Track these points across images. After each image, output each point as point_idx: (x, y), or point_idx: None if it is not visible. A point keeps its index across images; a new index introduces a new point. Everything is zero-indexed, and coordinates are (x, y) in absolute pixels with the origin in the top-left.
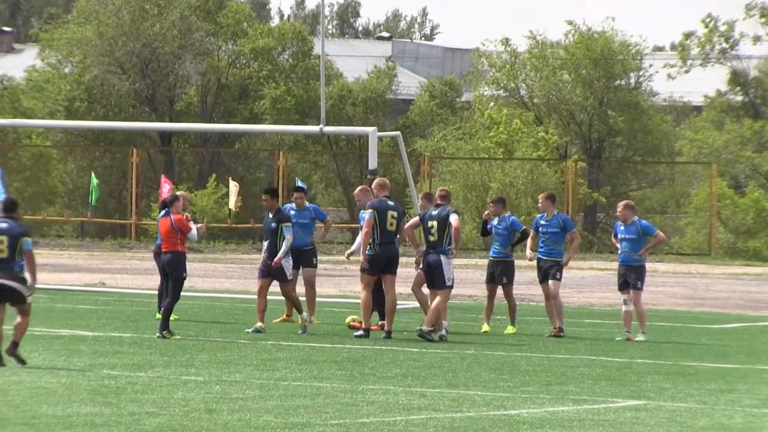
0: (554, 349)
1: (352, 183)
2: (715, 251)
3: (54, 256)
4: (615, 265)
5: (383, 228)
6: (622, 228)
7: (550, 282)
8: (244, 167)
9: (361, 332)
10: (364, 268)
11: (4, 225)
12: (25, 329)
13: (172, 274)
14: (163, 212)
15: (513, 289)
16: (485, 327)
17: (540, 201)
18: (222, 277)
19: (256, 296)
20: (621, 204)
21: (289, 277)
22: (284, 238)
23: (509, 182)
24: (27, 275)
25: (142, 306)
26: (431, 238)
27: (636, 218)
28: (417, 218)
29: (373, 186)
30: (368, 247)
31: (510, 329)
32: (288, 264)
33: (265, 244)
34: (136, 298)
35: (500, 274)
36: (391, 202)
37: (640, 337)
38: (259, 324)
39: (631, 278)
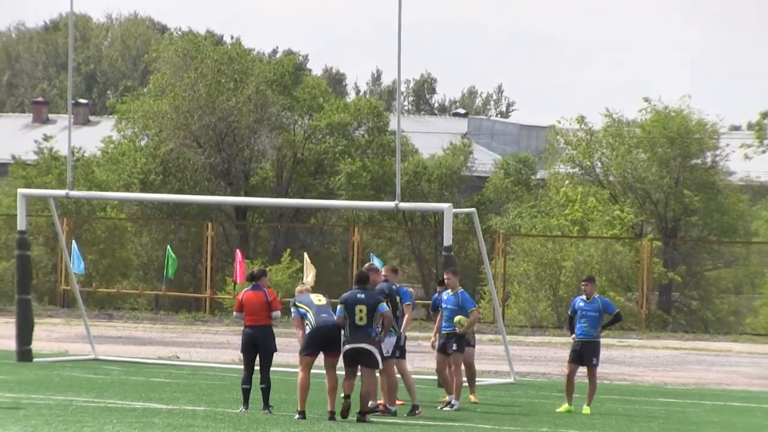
0: (627, 428)
1: (427, 259)
2: None
3: (128, 329)
4: (690, 344)
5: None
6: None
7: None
8: (319, 242)
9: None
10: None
11: None
12: None
13: (264, 347)
14: (250, 286)
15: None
16: (566, 406)
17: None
18: (295, 351)
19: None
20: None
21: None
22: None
23: (583, 260)
24: None
25: (216, 379)
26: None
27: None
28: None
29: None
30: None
31: (586, 410)
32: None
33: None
34: (210, 372)
35: (590, 355)
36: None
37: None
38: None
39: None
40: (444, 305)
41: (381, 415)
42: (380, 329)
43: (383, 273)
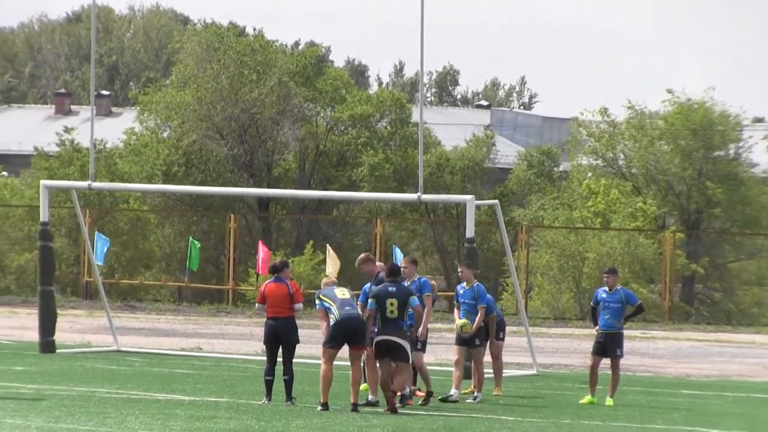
0: (651, 420)
1: (449, 251)
2: None
3: (151, 321)
4: (713, 336)
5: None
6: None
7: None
8: (342, 234)
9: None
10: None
11: None
12: None
13: (288, 339)
14: (272, 278)
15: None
16: (589, 398)
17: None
18: (318, 343)
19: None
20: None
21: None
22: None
23: (606, 252)
24: None
25: (239, 371)
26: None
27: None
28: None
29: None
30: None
31: (609, 401)
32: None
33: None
34: (233, 363)
35: (613, 346)
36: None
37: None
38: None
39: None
40: (461, 299)
41: (401, 406)
42: (411, 322)
43: (403, 264)
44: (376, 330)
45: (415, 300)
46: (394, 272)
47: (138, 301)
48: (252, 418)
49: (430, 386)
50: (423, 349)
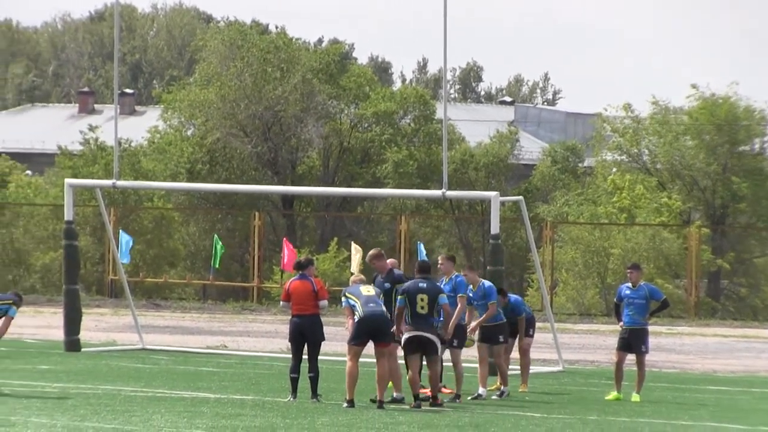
0: (677, 416)
1: (474, 248)
2: None
3: (176, 319)
4: (739, 331)
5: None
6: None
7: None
8: (366, 231)
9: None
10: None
11: None
12: None
13: (313, 336)
14: (297, 275)
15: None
16: (615, 394)
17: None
18: (343, 340)
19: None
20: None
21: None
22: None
23: (631, 248)
24: None
25: (264, 369)
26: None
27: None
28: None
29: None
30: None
31: (635, 397)
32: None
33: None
34: (258, 361)
35: (638, 342)
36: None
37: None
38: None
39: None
40: (473, 302)
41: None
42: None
43: (440, 261)
44: (405, 326)
45: (444, 298)
46: (425, 269)
47: (163, 299)
48: (277, 415)
49: (459, 389)
50: (460, 347)
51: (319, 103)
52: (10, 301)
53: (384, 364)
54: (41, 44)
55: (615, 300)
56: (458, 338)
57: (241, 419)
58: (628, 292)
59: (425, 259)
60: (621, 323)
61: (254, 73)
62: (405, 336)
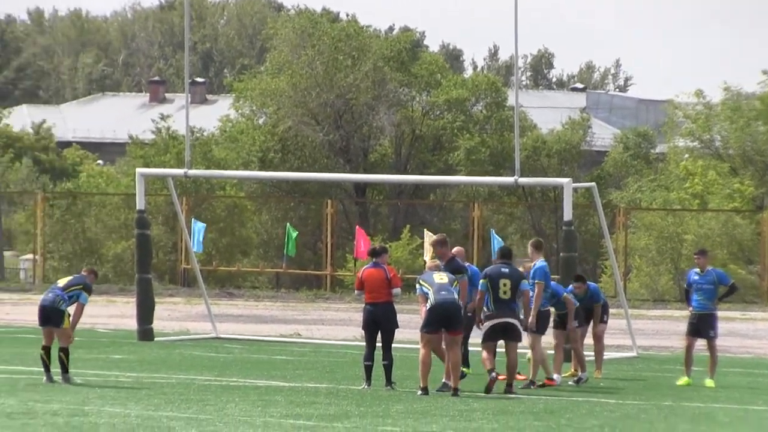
0: (751, 401)
1: (548, 234)
2: None
3: (249, 307)
4: None
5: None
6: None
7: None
8: (439, 219)
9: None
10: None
11: None
12: None
13: (386, 324)
14: (370, 263)
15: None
16: (686, 379)
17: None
18: (416, 328)
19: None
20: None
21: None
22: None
23: (704, 234)
24: None
25: (338, 357)
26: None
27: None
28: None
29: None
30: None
31: (709, 382)
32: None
33: None
34: (332, 349)
35: (707, 327)
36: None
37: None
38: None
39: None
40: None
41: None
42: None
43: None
44: (487, 312)
45: (525, 284)
46: (506, 254)
47: (236, 287)
48: (352, 403)
49: (534, 374)
50: (540, 332)
51: (391, 90)
52: (80, 286)
53: (457, 351)
54: (111, 33)
55: (685, 286)
56: (539, 324)
57: (316, 407)
58: (696, 277)
59: (506, 245)
60: (691, 308)
61: (325, 62)
62: (488, 324)
